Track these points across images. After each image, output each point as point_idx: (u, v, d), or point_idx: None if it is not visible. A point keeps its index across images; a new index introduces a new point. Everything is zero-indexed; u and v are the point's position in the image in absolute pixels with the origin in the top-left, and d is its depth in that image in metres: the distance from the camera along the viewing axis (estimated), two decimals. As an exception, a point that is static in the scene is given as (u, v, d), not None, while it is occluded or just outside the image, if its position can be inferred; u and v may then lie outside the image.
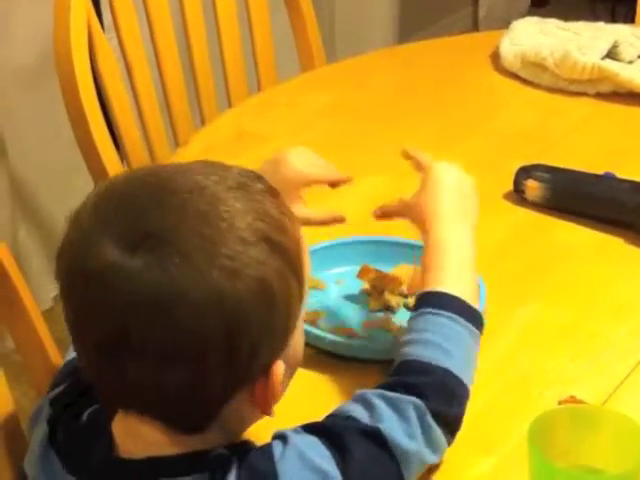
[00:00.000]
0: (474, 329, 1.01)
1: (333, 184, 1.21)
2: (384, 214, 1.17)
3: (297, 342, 0.90)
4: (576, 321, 1.18)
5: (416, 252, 1.14)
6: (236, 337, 0.81)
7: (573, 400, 1.05)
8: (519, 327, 1.17)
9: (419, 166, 1.15)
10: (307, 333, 1.11)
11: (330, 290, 1.23)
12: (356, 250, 1.26)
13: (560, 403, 1.04)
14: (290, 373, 0.90)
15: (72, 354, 1.01)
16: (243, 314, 0.81)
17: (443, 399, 0.95)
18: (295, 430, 0.89)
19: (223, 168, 0.87)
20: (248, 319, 0.81)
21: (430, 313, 1.00)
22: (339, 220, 1.19)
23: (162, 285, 0.79)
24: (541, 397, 1.07)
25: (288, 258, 0.84)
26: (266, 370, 0.85)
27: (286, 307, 0.85)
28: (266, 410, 0.87)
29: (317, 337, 1.12)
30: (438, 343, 0.98)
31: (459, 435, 0.98)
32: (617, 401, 1.06)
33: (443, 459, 0.97)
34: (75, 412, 0.92)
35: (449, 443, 0.96)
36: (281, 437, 0.88)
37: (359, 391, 0.95)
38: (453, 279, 1.03)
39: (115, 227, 0.81)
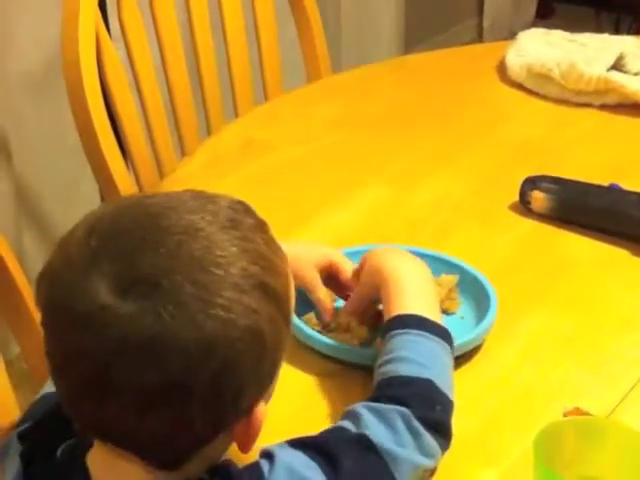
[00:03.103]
0: (444, 343, 1.02)
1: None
2: (355, 310, 1.15)
3: (278, 377, 0.89)
4: (581, 332, 1.18)
5: (431, 262, 1.17)
6: (222, 385, 0.80)
7: (578, 412, 1.04)
8: (524, 338, 1.17)
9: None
10: (303, 332, 1.12)
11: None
12: None
13: (565, 415, 1.04)
14: (266, 401, 0.90)
15: (48, 388, 1.00)
16: (233, 364, 0.79)
17: (427, 406, 0.95)
18: (280, 446, 0.89)
19: (212, 201, 0.84)
20: (237, 368, 0.80)
21: (399, 334, 1.02)
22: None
23: (154, 332, 0.77)
24: (546, 408, 1.07)
25: (280, 302, 0.83)
26: (247, 411, 0.84)
27: (274, 352, 0.84)
28: (245, 448, 0.86)
29: (311, 338, 1.12)
30: (413, 358, 0.99)
31: (464, 445, 0.99)
32: (623, 413, 1.06)
33: (448, 469, 0.97)
34: (49, 447, 0.90)
35: (443, 448, 0.96)
36: (267, 455, 0.88)
37: (346, 409, 0.96)
38: (414, 302, 1.05)
39: (106, 267, 0.78)
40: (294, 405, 1.05)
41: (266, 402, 0.86)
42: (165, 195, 0.86)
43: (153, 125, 1.69)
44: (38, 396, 1.01)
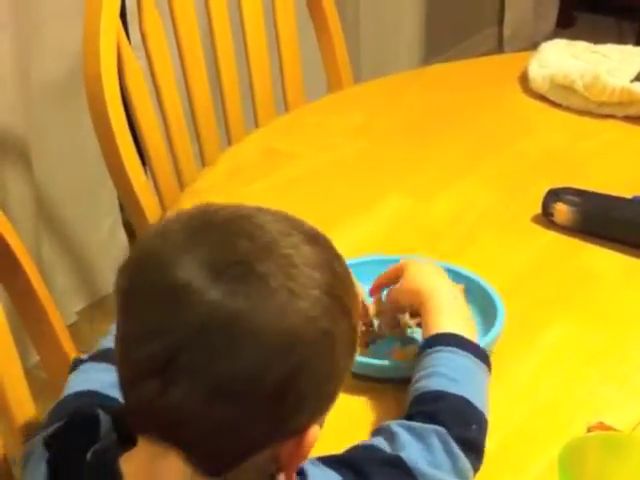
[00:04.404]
0: (481, 363, 1.02)
1: None
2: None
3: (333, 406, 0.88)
4: (605, 345, 1.18)
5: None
6: (291, 385, 0.79)
7: (602, 426, 1.04)
8: (547, 351, 1.17)
9: (395, 273, 1.14)
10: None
11: None
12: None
13: (589, 429, 1.03)
14: (320, 426, 0.88)
15: (69, 390, 1.00)
16: (305, 367, 0.80)
17: (461, 423, 0.95)
18: (313, 463, 0.88)
19: (295, 218, 0.86)
20: (307, 374, 0.80)
21: (435, 351, 1.02)
22: None
23: (241, 313, 0.77)
24: (570, 422, 1.06)
25: (352, 326, 0.84)
26: (301, 431, 0.83)
27: (340, 371, 0.84)
28: (289, 472, 0.85)
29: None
30: (445, 374, 0.99)
31: (486, 460, 0.98)
32: (647, 428, 1.05)
33: (471, 485, 0.96)
34: (77, 452, 0.88)
35: (476, 468, 0.95)
36: (299, 472, 0.87)
37: (380, 425, 0.95)
38: (452, 322, 1.05)
39: (204, 248, 0.80)
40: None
41: (320, 427, 0.84)
42: (250, 205, 0.88)
43: (173, 135, 1.69)
44: (59, 399, 1.00)
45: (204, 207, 0.85)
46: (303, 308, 0.79)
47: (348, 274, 0.86)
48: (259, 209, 0.85)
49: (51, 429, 0.93)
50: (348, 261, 1.18)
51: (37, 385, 1.20)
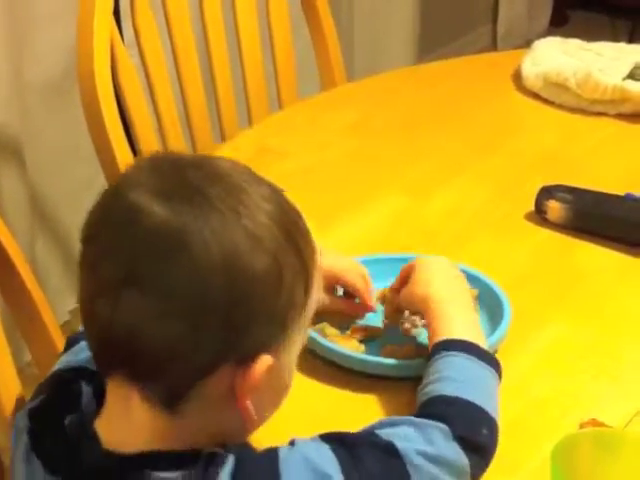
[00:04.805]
0: (487, 366, 1.02)
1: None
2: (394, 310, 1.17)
3: (290, 362, 0.89)
4: (598, 342, 1.18)
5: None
6: (236, 304, 0.82)
7: (594, 423, 1.04)
8: (540, 348, 1.17)
9: (408, 269, 1.14)
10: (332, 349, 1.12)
11: None
12: (386, 267, 1.24)
13: (582, 426, 1.03)
14: (275, 401, 0.90)
15: (59, 365, 1.01)
16: (249, 284, 0.82)
17: (469, 426, 0.95)
18: (311, 437, 0.89)
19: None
20: (252, 291, 0.82)
21: (445, 356, 1.02)
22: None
23: (185, 229, 0.81)
24: (562, 419, 1.06)
25: (304, 265, 0.86)
26: (253, 358, 0.84)
27: (289, 302, 0.85)
28: (241, 402, 0.85)
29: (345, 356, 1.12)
30: (455, 378, 0.99)
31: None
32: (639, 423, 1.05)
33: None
34: (56, 422, 0.91)
35: (482, 470, 0.95)
36: (290, 442, 0.88)
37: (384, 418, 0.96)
38: (461, 329, 1.05)
39: (157, 178, 0.84)
40: (314, 416, 1.05)
41: (274, 357, 0.85)
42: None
43: (167, 132, 1.69)
44: (48, 374, 1.01)
45: (161, 152, 0.91)
46: (248, 227, 0.82)
47: (307, 228, 0.89)
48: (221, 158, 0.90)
49: (36, 401, 0.96)
50: (361, 258, 1.20)
51: (30, 383, 1.19)
